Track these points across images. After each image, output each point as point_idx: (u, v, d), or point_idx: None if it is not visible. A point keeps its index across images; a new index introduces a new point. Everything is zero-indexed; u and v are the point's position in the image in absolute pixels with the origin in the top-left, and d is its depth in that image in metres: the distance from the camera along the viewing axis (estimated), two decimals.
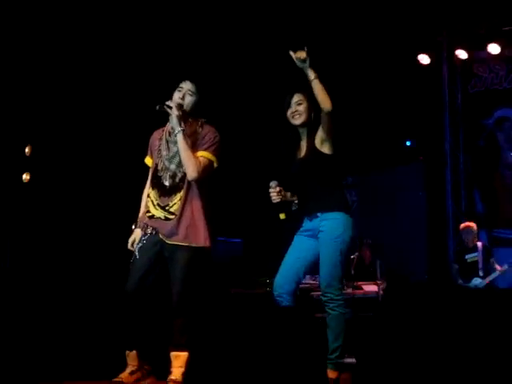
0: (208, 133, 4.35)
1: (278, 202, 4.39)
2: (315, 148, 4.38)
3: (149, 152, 4.53)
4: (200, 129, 4.37)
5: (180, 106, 4.28)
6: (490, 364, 4.64)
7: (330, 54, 8.67)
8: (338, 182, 4.43)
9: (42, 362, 4.93)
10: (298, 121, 4.44)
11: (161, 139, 4.43)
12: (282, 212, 4.38)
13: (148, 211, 4.36)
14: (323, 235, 4.31)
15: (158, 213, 4.31)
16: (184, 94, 4.33)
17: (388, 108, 9.33)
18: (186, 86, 4.35)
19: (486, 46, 9.48)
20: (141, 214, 4.46)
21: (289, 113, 4.45)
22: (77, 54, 7.45)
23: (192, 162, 4.22)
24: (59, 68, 7.33)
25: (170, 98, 4.35)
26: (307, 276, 7.35)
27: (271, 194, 4.40)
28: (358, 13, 8.55)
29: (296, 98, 4.45)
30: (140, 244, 4.33)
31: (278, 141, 4.64)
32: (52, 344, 5.41)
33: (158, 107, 4.26)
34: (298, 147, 4.52)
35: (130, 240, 4.41)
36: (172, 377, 4.19)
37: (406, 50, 9.29)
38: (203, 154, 4.29)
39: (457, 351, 4.94)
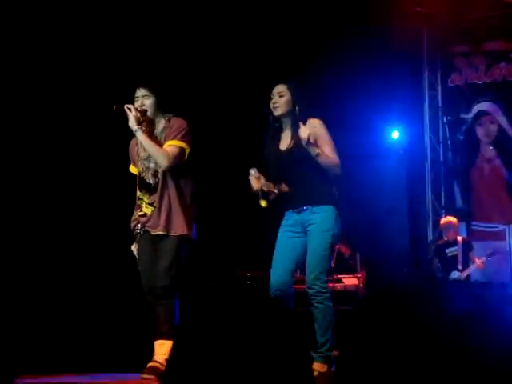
0: (175, 123, 4.50)
1: (258, 190, 4.36)
2: None
3: (131, 160, 4.70)
4: (168, 123, 4.51)
5: (144, 111, 4.44)
6: (469, 356, 4.65)
7: (308, 40, 8.69)
8: (327, 174, 4.38)
9: (33, 354, 5.00)
10: (276, 112, 4.44)
11: (137, 144, 4.58)
12: (263, 199, 4.34)
13: (140, 210, 4.54)
14: (314, 227, 4.27)
15: (149, 210, 4.49)
16: (141, 101, 4.49)
17: (368, 101, 9.32)
18: (139, 92, 4.52)
19: (467, 40, 9.51)
20: (133, 217, 4.63)
21: (271, 103, 4.45)
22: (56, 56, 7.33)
23: (160, 152, 4.37)
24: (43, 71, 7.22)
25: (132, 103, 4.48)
26: None
27: (251, 182, 4.37)
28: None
29: (278, 88, 4.45)
30: (138, 248, 4.58)
31: (261, 130, 4.61)
32: (39, 335, 5.42)
33: (115, 107, 4.40)
34: (279, 137, 4.48)
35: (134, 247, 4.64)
36: (155, 358, 4.24)
37: (387, 43, 9.26)
38: (171, 143, 4.43)
39: (438, 343, 4.93)
